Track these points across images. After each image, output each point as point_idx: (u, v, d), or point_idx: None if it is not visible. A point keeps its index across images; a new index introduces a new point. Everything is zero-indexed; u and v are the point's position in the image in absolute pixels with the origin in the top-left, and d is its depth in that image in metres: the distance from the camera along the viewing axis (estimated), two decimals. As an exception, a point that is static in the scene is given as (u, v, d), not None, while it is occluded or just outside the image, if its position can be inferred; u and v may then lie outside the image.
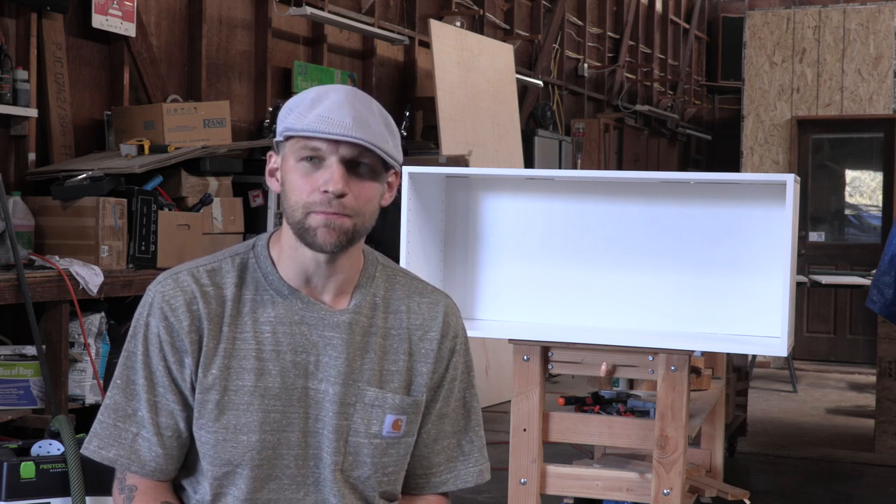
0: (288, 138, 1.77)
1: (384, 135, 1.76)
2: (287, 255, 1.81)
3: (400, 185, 3.62)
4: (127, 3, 5.35)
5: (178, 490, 1.86)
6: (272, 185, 1.82)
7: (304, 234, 1.75)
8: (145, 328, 1.80)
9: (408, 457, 1.88)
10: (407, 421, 1.84)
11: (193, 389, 1.79)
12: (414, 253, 3.62)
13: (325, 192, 1.72)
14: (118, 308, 4.75)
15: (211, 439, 1.77)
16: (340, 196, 1.72)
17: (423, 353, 1.87)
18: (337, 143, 1.72)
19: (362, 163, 1.75)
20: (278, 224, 5.54)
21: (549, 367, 3.49)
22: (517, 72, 8.44)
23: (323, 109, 1.73)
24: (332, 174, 1.72)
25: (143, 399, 1.79)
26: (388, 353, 1.85)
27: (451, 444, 1.92)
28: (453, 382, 1.91)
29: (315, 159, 1.74)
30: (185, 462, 1.84)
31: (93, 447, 1.81)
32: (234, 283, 1.81)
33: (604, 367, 3.38)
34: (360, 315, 1.83)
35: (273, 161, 1.82)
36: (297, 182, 1.75)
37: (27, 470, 3.00)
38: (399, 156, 1.81)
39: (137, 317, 1.82)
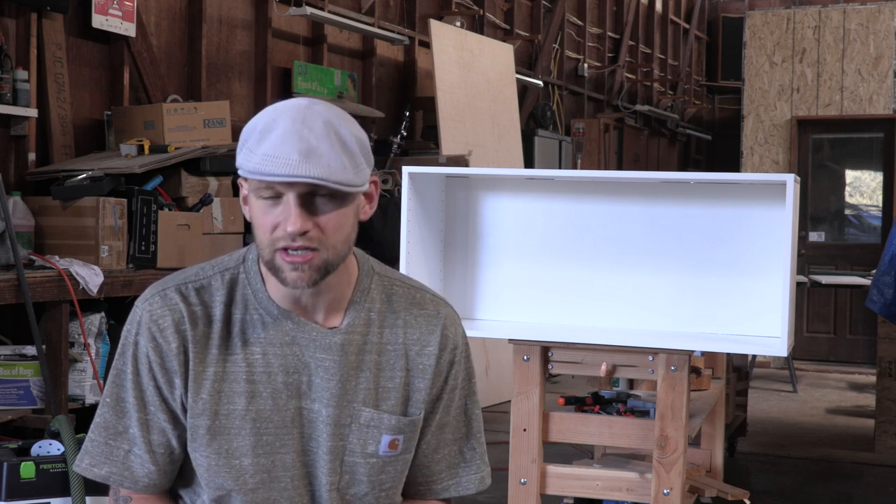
0: None
1: (339, 161, 1.65)
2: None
3: (399, 185, 3.63)
4: (127, 3, 5.35)
5: (175, 499, 1.85)
6: (245, 212, 1.75)
7: (275, 275, 1.70)
8: (134, 347, 1.77)
9: (406, 471, 1.86)
10: (404, 439, 1.81)
11: (184, 408, 1.76)
12: (414, 253, 3.62)
13: (287, 231, 1.65)
14: (118, 308, 4.75)
15: (204, 463, 1.75)
16: (303, 233, 1.66)
17: (420, 368, 1.83)
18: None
19: (321, 195, 1.66)
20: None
21: (549, 367, 3.48)
22: (517, 72, 8.44)
23: (268, 146, 1.64)
24: (289, 213, 1.65)
25: (134, 417, 1.77)
26: (384, 370, 1.81)
27: (453, 452, 1.90)
28: (453, 392, 1.88)
29: (275, 196, 1.66)
30: (183, 473, 1.83)
31: (85, 465, 1.79)
32: (223, 301, 1.77)
33: (604, 367, 3.38)
34: (354, 334, 1.78)
35: (245, 188, 1.74)
36: (259, 220, 1.68)
37: (27, 470, 3.00)
38: (364, 173, 1.70)
39: (126, 334, 1.79)
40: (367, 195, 1.76)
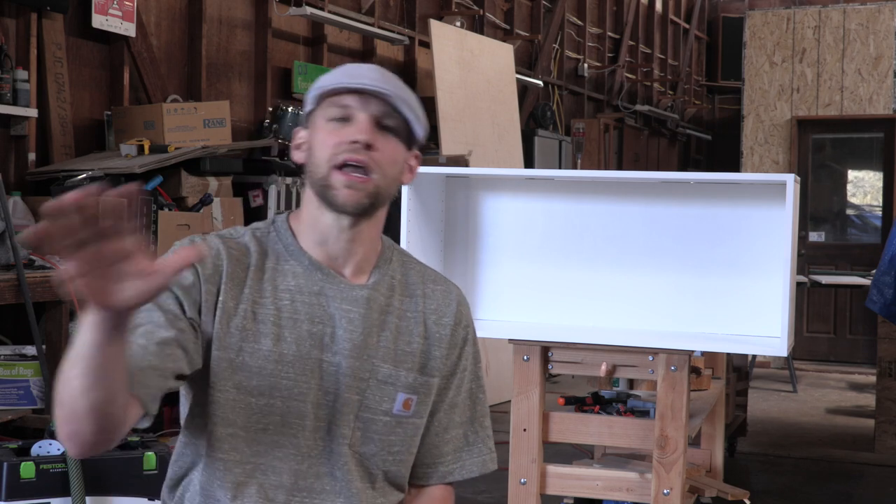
0: (319, 101, 1.80)
1: (410, 101, 1.82)
2: (307, 225, 1.82)
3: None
4: (127, 3, 5.35)
5: (187, 447, 1.81)
6: (297, 157, 1.83)
7: (326, 193, 1.76)
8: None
9: (416, 440, 1.89)
10: (417, 401, 1.85)
11: (200, 332, 1.72)
12: (414, 253, 3.58)
13: (354, 142, 1.74)
14: (118, 308, 4.74)
15: (220, 398, 1.75)
16: (368, 147, 1.74)
17: (437, 337, 1.89)
18: (367, 100, 1.76)
19: (390, 123, 1.79)
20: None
21: (549, 367, 3.49)
22: (517, 72, 8.44)
23: (350, 68, 1.81)
24: (361, 126, 1.75)
25: (159, 320, 1.67)
26: (403, 334, 1.86)
27: (459, 435, 1.94)
28: (464, 372, 1.93)
29: (344, 119, 1.76)
30: (194, 420, 1.79)
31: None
32: (257, 251, 1.82)
33: (604, 367, 3.38)
34: (378, 293, 1.85)
35: (300, 136, 1.84)
36: (324, 139, 1.76)
37: (27, 470, 3.00)
38: (422, 132, 1.86)
39: None
40: (410, 166, 1.88)
